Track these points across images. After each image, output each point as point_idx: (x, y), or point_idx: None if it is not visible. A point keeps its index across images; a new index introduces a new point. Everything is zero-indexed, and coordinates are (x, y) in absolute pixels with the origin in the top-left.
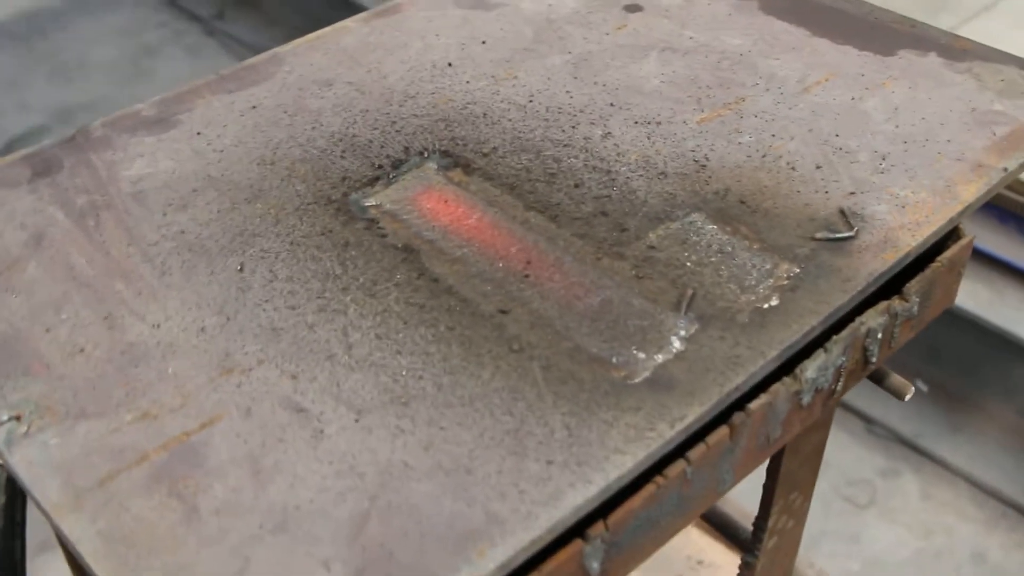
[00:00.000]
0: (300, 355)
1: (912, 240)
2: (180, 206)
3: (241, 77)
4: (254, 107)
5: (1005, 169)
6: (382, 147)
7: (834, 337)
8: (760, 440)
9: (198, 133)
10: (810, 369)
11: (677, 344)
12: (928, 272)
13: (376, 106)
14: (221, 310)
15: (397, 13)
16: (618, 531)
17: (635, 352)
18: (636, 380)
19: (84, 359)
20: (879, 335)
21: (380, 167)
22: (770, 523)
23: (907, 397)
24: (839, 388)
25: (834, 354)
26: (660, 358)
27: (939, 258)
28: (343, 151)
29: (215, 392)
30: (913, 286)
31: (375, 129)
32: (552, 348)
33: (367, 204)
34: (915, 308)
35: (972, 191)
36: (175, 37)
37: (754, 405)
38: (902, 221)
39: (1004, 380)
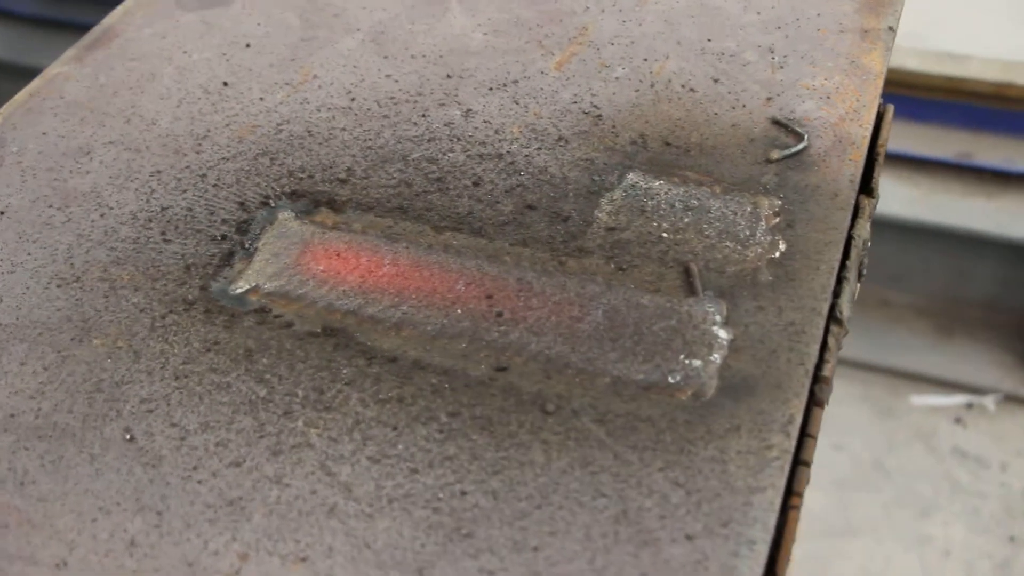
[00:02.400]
0: (290, 525)
1: (862, 129)
2: None
3: None
4: (2, 213)
5: (891, 28)
6: (210, 212)
7: (846, 263)
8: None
9: None
10: (845, 307)
11: (723, 334)
12: (879, 159)
13: (167, 162)
14: (141, 506)
15: (116, 38)
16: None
17: (687, 361)
18: (710, 394)
19: None
20: (869, 244)
21: (224, 237)
22: None
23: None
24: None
25: (852, 280)
26: (717, 357)
27: (880, 141)
28: (162, 232)
29: None
30: (877, 179)
31: (184, 192)
32: (591, 393)
33: (240, 291)
34: (878, 202)
35: (877, 60)
36: None
37: (827, 371)
38: (838, 112)
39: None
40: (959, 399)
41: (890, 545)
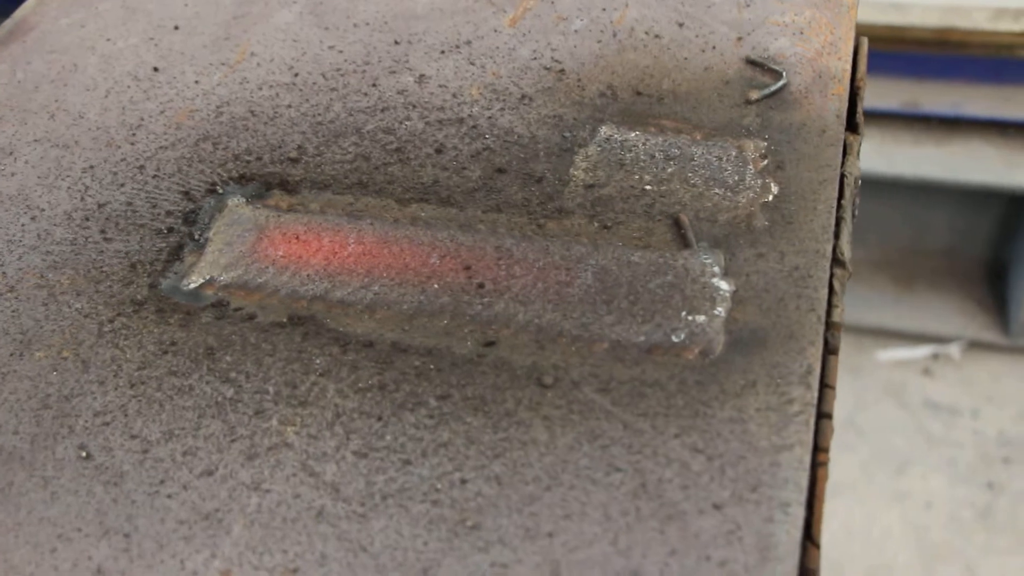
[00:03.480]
0: (276, 535)
1: (841, 63)
2: None
3: None
4: None
5: None
6: (152, 205)
7: (842, 202)
8: None
9: None
10: (846, 247)
11: (724, 285)
12: (860, 95)
13: (99, 156)
14: (105, 530)
15: (32, 31)
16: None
17: (690, 318)
18: (719, 351)
19: None
20: (859, 181)
21: (170, 230)
22: None
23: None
24: None
25: (849, 219)
26: (721, 311)
27: (858, 75)
28: (102, 230)
29: None
30: (861, 115)
31: (121, 186)
32: (589, 361)
33: (193, 286)
34: (863, 138)
35: None
36: None
37: (837, 316)
38: (814, 47)
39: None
40: (925, 350)
41: (871, 503)
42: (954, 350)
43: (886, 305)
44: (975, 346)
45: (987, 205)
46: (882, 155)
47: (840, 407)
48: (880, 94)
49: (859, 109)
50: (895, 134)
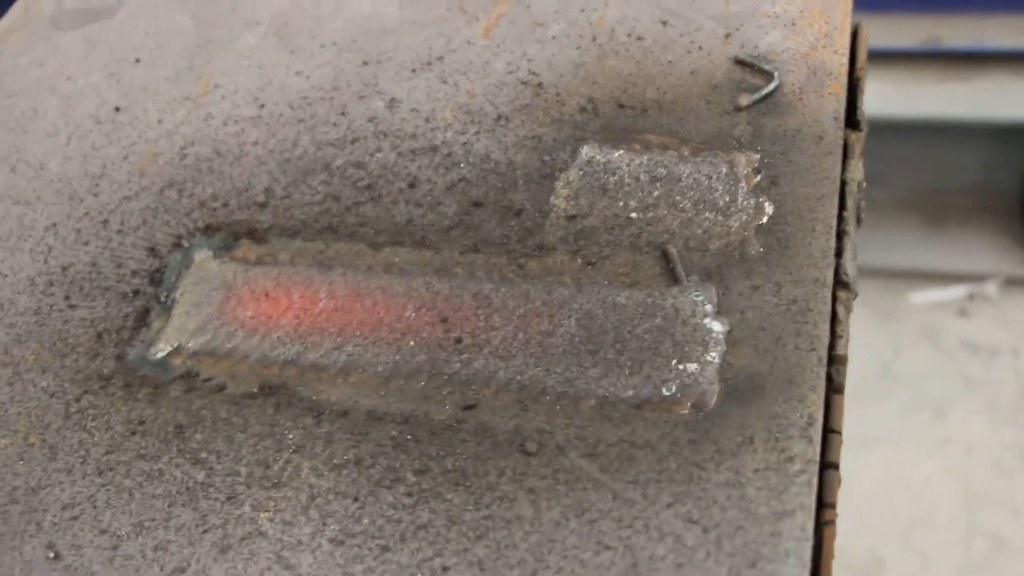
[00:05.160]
0: None
1: (838, 56)
2: None
3: None
4: None
5: None
6: (117, 265)
7: (843, 214)
8: None
9: None
10: (849, 265)
11: (717, 326)
12: (860, 86)
13: (62, 212)
14: None
15: None
16: None
17: (681, 367)
18: (713, 403)
19: None
20: (864, 185)
21: (136, 293)
22: None
23: None
24: None
25: (852, 232)
26: (715, 356)
27: (858, 65)
28: (66, 296)
29: None
30: (863, 110)
31: (85, 244)
32: (575, 421)
33: (160, 355)
34: (865, 133)
35: None
36: None
37: (842, 348)
38: (807, 40)
39: None
40: (960, 290)
41: (909, 451)
42: (990, 288)
43: (917, 245)
44: (1012, 283)
45: (1018, 140)
46: (904, 97)
47: (874, 354)
48: (899, 33)
49: (860, 103)
50: (917, 73)
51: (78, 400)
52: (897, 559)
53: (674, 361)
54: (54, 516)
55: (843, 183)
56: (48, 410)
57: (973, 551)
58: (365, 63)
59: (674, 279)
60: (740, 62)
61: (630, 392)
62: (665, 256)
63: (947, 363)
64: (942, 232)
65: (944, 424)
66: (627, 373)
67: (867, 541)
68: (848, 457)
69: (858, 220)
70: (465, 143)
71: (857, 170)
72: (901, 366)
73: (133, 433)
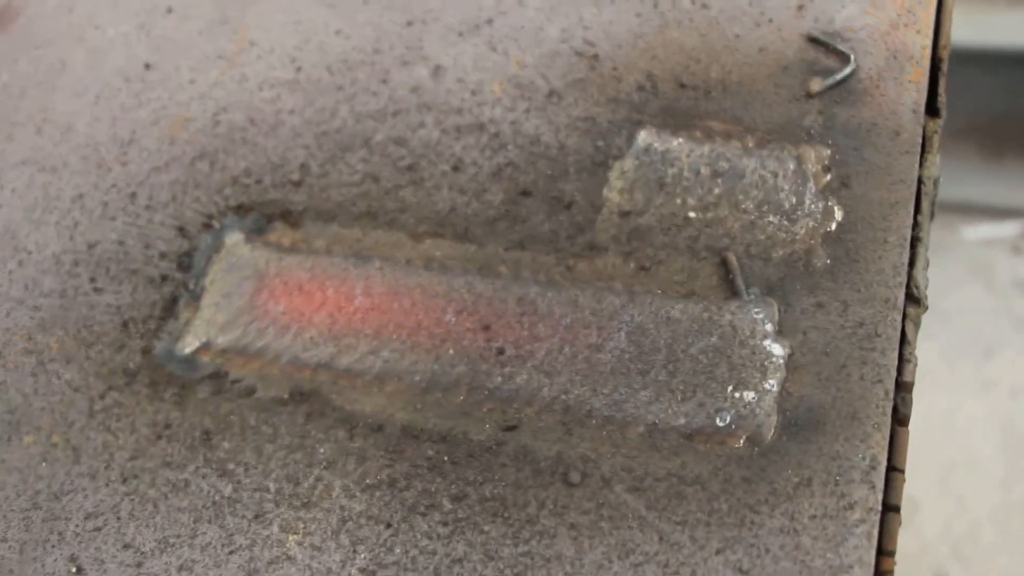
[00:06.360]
0: None
1: (920, 37)
2: None
3: None
4: None
5: None
6: (145, 245)
7: (918, 218)
8: None
9: None
10: (921, 276)
11: (778, 349)
12: (943, 67)
13: (89, 182)
14: None
15: (16, 18)
16: None
17: (736, 395)
18: (769, 437)
19: None
20: (941, 178)
21: (164, 278)
22: None
23: None
24: None
25: (926, 240)
26: (774, 384)
27: (942, 42)
28: (92, 279)
29: None
30: (942, 96)
31: (112, 219)
32: (622, 450)
33: (189, 350)
34: (944, 118)
35: None
36: None
37: (909, 375)
38: (888, 16)
39: None
40: (1015, 226)
41: (954, 392)
42: None
43: (973, 177)
44: None
45: None
46: (973, 25)
47: None
48: None
49: (941, 87)
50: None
51: (103, 397)
52: (934, 500)
53: (730, 388)
54: (77, 526)
55: (919, 183)
56: (72, 407)
57: (1012, 495)
58: (410, 23)
59: (733, 292)
60: (813, 40)
61: (681, 420)
62: (725, 265)
63: (997, 302)
64: (1000, 163)
65: (990, 366)
66: (679, 399)
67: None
68: None
69: (932, 215)
70: (514, 122)
71: (934, 166)
72: (949, 304)
73: (159, 437)
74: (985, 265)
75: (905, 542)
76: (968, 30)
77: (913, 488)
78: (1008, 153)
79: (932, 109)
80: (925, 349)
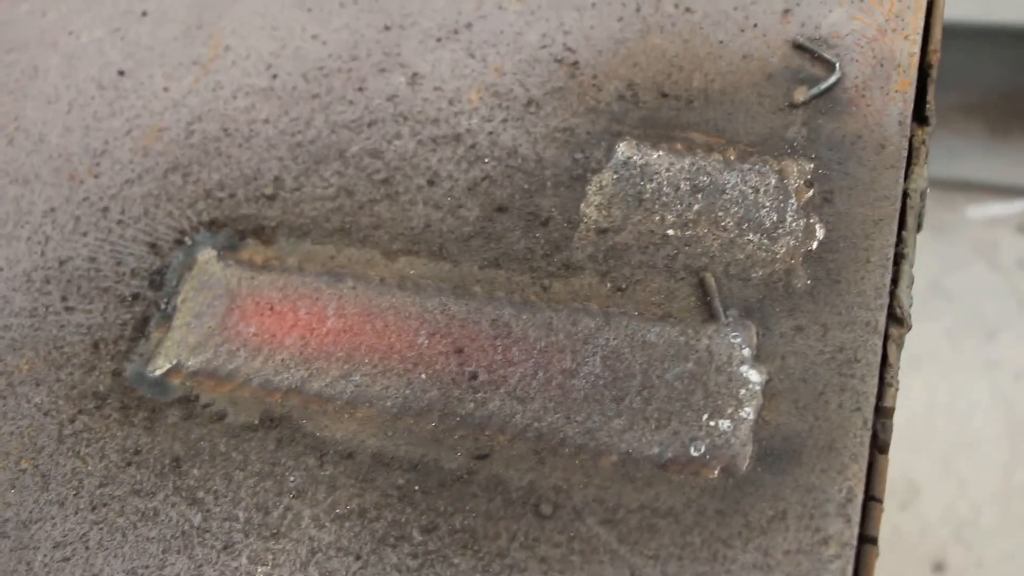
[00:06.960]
0: None
1: (908, 43)
2: None
3: None
4: None
5: None
6: (117, 261)
7: (902, 233)
8: None
9: None
10: (904, 295)
11: (755, 376)
12: (932, 74)
13: (61, 195)
14: None
15: None
16: None
17: (712, 423)
18: (744, 467)
19: None
20: (928, 191)
21: (135, 297)
22: None
23: None
24: None
25: (910, 256)
26: (750, 412)
27: (931, 47)
28: (63, 297)
29: None
30: (931, 104)
31: (84, 235)
32: (595, 480)
33: (159, 372)
34: (933, 128)
35: None
36: None
37: (890, 399)
38: (876, 21)
39: None
40: (1020, 205)
41: (957, 373)
42: None
43: (978, 155)
44: None
45: None
46: (980, 1)
47: (926, 269)
48: None
49: (930, 94)
50: None
51: (72, 421)
52: (935, 483)
53: (705, 416)
54: (45, 556)
55: (905, 196)
56: (41, 431)
57: (1015, 478)
58: (387, 27)
59: (711, 314)
60: (799, 47)
61: (655, 449)
62: (702, 285)
63: (1001, 282)
64: (1006, 141)
65: (994, 347)
66: (653, 427)
67: (905, 464)
68: None
69: (919, 227)
70: (491, 132)
71: (921, 178)
72: (953, 283)
73: (128, 464)
74: (990, 244)
75: (905, 525)
76: (975, 6)
77: (914, 470)
78: (1014, 131)
79: (920, 117)
80: (928, 330)
